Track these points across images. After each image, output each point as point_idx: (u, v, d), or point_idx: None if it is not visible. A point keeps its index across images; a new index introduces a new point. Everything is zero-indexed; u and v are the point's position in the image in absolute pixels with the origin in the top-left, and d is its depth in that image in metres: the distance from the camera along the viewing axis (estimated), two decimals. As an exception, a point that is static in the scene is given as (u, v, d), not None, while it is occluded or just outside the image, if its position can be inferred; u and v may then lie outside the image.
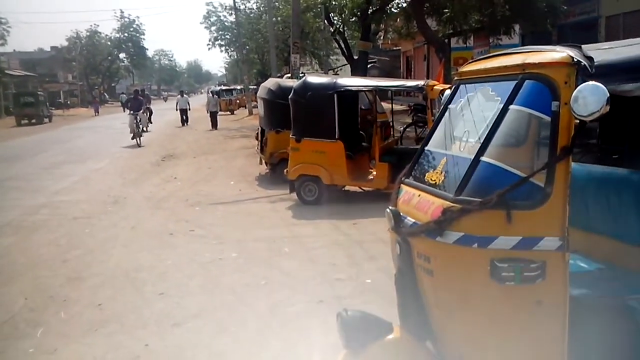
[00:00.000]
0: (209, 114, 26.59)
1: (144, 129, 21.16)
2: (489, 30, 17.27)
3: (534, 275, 2.17)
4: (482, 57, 2.84)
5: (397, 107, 23.64)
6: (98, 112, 46.18)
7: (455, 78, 3.00)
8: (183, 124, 28.07)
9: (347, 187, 9.55)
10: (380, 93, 11.11)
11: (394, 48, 35.12)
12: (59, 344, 4.36)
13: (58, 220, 8.57)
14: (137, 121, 19.69)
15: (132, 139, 19.58)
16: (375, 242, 6.44)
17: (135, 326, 4.62)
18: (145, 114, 24.73)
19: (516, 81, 2.32)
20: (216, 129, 25.26)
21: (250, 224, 7.98)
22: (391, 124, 11.11)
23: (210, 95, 30.36)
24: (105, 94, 73.65)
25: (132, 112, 20.14)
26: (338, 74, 33.11)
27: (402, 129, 15.65)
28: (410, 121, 16.44)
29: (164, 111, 37.80)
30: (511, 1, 15.22)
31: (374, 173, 9.10)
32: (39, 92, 41.00)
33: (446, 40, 19.34)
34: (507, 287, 2.19)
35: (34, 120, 36.34)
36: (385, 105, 12.34)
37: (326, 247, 6.60)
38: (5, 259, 6.71)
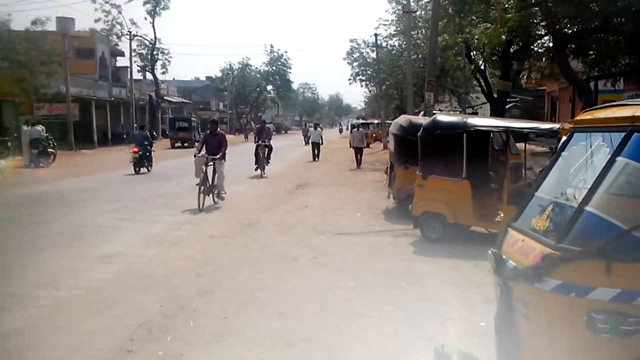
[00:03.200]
0: (353, 149, 24.01)
1: (216, 187, 12.81)
2: (639, 73, 16.11)
3: (632, 330, 2.13)
4: (598, 107, 2.82)
5: (538, 149, 22.66)
6: (247, 138, 48.91)
7: (570, 126, 3.00)
8: (314, 159, 26.29)
9: (473, 228, 9.38)
10: (519, 134, 10.83)
11: (538, 88, 33.68)
12: (184, 350, 4.76)
13: (197, 237, 9.32)
14: (205, 171, 12.32)
15: (201, 192, 12.01)
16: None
17: (253, 341, 4.94)
18: (220, 161, 12.73)
19: (625, 133, 2.32)
20: (360, 167, 22.73)
21: (370, 255, 8.14)
22: (524, 165, 10.77)
23: (356, 130, 27.37)
24: (252, 122, 78.15)
25: (203, 154, 12.74)
26: (477, 113, 32.52)
27: (538, 171, 15.05)
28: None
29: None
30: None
31: (502, 215, 8.87)
32: (192, 118, 44.03)
33: (593, 83, 18.32)
34: (603, 340, 2.17)
35: (186, 144, 38.76)
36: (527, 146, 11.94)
37: (443, 286, 6.58)
38: (147, 269, 7.39)
